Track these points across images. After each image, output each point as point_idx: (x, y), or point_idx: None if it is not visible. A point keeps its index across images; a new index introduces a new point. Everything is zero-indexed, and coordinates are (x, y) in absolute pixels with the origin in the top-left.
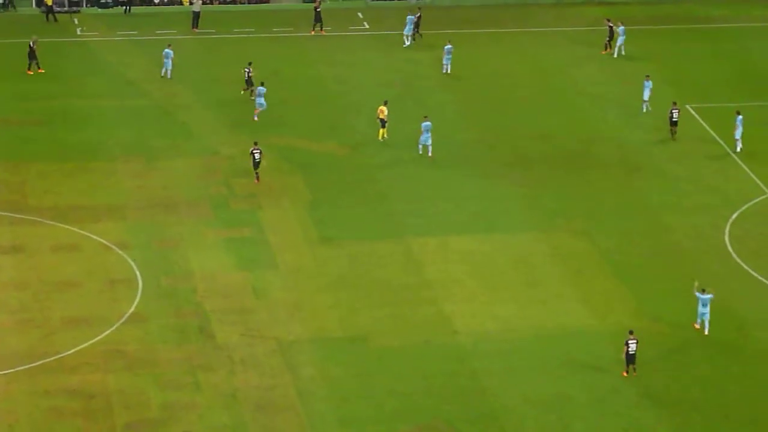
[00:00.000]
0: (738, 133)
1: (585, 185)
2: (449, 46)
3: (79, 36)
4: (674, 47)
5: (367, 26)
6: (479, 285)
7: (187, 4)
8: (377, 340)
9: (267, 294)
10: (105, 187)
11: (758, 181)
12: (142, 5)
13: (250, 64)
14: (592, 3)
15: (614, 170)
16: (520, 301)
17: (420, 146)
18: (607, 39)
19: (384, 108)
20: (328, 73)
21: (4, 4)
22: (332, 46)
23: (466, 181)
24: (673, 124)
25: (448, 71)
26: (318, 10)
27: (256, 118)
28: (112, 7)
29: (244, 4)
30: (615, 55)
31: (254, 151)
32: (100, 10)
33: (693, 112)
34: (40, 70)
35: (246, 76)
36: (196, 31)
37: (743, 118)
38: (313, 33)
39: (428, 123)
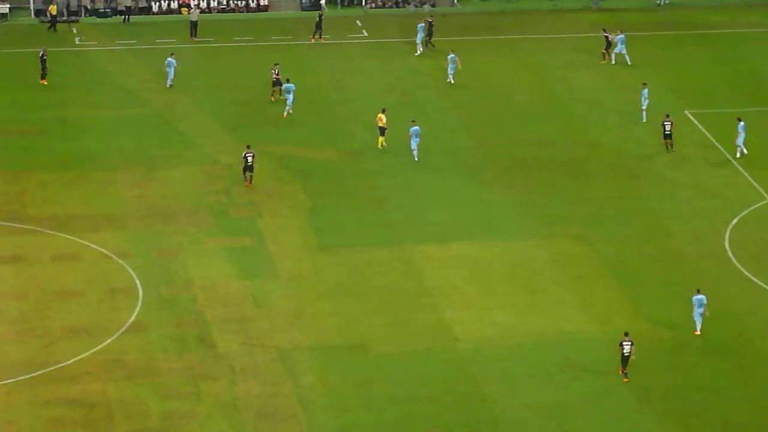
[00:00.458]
0: (740, 140)
1: (584, 191)
2: (452, 55)
3: (78, 45)
4: (672, 53)
5: (366, 34)
6: (478, 291)
7: (186, 13)
8: (377, 347)
9: (267, 302)
10: (104, 196)
11: (758, 187)
12: (140, 15)
13: (276, 65)
14: (590, 10)
15: (613, 176)
16: (520, 308)
17: (414, 151)
18: (605, 48)
19: (383, 115)
20: (326, 80)
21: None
22: (331, 54)
23: (465, 188)
24: (667, 136)
25: (452, 81)
26: (320, 19)
27: (286, 114)
28: (110, 16)
29: (242, 12)
30: (613, 62)
31: (247, 155)
32: (98, 19)
33: (692, 118)
34: (42, 81)
35: (273, 77)
36: (195, 39)
37: (745, 125)
38: (313, 41)
39: (416, 128)
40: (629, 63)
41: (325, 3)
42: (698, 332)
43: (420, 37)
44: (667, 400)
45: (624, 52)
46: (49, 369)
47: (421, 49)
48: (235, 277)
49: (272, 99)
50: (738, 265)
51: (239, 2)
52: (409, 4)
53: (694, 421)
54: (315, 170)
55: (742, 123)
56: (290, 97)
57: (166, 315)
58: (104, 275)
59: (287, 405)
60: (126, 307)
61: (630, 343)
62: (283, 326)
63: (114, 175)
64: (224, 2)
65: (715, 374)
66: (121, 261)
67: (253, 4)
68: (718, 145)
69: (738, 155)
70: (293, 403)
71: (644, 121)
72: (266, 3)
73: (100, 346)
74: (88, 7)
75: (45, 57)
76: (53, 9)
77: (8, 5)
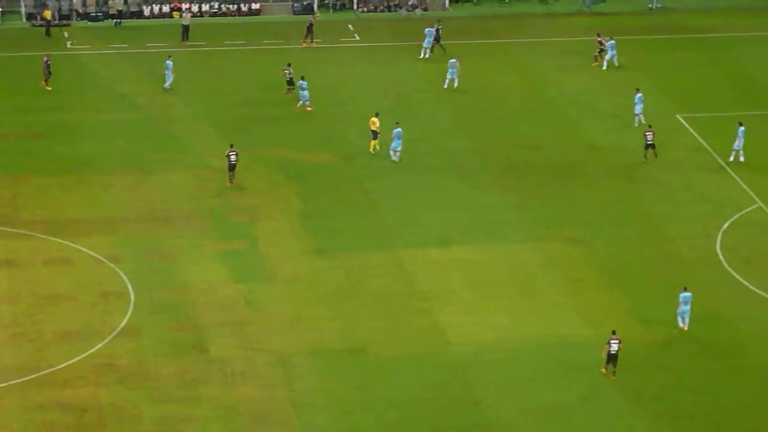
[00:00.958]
0: (737, 144)
1: (578, 194)
2: (454, 60)
3: (70, 49)
4: (664, 57)
5: (358, 38)
6: (475, 295)
7: (177, 17)
8: (375, 351)
9: (262, 306)
10: (99, 200)
11: (749, 191)
12: (132, 18)
13: (289, 65)
14: (582, 14)
15: (606, 179)
16: (516, 311)
17: (391, 152)
18: (597, 52)
19: (375, 119)
20: (319, 84)
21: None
22: (323, 58)
23: (459, 191)
24: (648, 146)
25: (454, 86)
26: (311, 24)
27: (305, 108)
28: (102, 20)
29: (234, 16)
30: (604, 67)
31: (230, 153)
32: (90, 23)
33: (683, 122)
34: (44, 85)
35: (287, 77)
36: (187, 43)
37: (745, 129)
38: (304, 45)
39: (399, 129)
40: (616, 64)
41: (317, 7)
42: (685, 328)
43: (428, 41)
44: (660, 402)
45: (614, 56)
46: (41, 373)
47: (428, 54)
48: (229, 280)
49: (290, 95)
50: (729, 269)
51: (231, 6)
52: (400, 8)
53: (687, 423)
54: (309, 174)
55: (742, 128)
56: (306, 93)
57: (159, 319)
58: (97, 279)
59: (284, 409)
60: (118, 310)
61: (618, 341)
62: (280, 330)
63: (109, 179)
64: (216, 6)
65: (707, 377)
66: (113, 265)
67: (245, 8)
68: (710, 149)
69: (732, 159)
70: (290, 407)
71: (636, 125)
72: (258, 7)
73: (92, 350)
74: (80, 11)
75: (49, 62)
76: (48, 14)
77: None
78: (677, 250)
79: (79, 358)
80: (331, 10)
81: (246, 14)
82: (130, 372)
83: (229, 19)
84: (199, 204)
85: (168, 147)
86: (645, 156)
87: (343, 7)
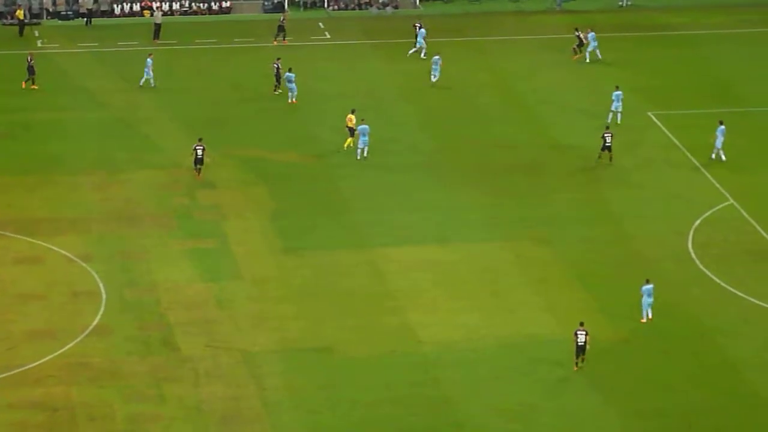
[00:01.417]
0: (718, 143)
1: (548, 194)
2: (437, 57)
3: (40, 48)
4: (635, 55)
5: (329, 36)
6: (443, 294)
7: (148, 15)
8: (342, 350)
9: (231, 305)
10: (68, 199)
11: (720, 188)
12: (102, 17)
13: (278, 59)
14: (553, 11)
15: (577, 179)
16: (485, 310)
17: (358, 150)
18: (576, 45)
19: (352, 116)
20: None
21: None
22: (294, 57)
23: (430, 190)
24: (605, 148)
25: (435, 82)
26: (282, 23)
27: (292, 101)
28: (72, 19)
29: (204, 14)
30: (587, 60)
31: (197, 148)
32: (60, 22)
33: (655, 119)
34: (24, 85)
35: (275, 71)
36: (158, 42)
37: (725, 129)
38: (275, 43)
39: (365, 126)
40: (600, 57)
41: (288, 6)
42: (645, 320)
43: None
44: (629, 401)
45: (596, 48)
46: (11, 372)
47: (413, 51)
48: (199, 279)
49: (277, 92)
50: (701, 267)
51: (201, 5)
52: (371, 6)
53: (658, 422)
54: (279, 173)
55: (722, 127)
56: (293, 86)
57: (130, 318)
58: (67, 278)
59: (252, 408)
60: (89, 310)
61: (585, 332)
62: (247, 329)
63: (77, 178)
64: (186, 5)
65: (678, 375)
66: (84, 264)
67: (215, 7)
68: (681, 147)
69: (713, 157)
70: (258, 406)
71: (619, 122)
72: (228, 5)
73: (63, 349)
74: (50, 9)
75: (32, 62)
76: (20, 13)
77: None
78: (648, 248)
79: (50, 357)
80: (302, 8)
81: (216, 12)
82: (102, 371)
83: (200, 17)
84: (169, 203)
85: (137, 146)
86: (599, 156)
87: (314, 5)
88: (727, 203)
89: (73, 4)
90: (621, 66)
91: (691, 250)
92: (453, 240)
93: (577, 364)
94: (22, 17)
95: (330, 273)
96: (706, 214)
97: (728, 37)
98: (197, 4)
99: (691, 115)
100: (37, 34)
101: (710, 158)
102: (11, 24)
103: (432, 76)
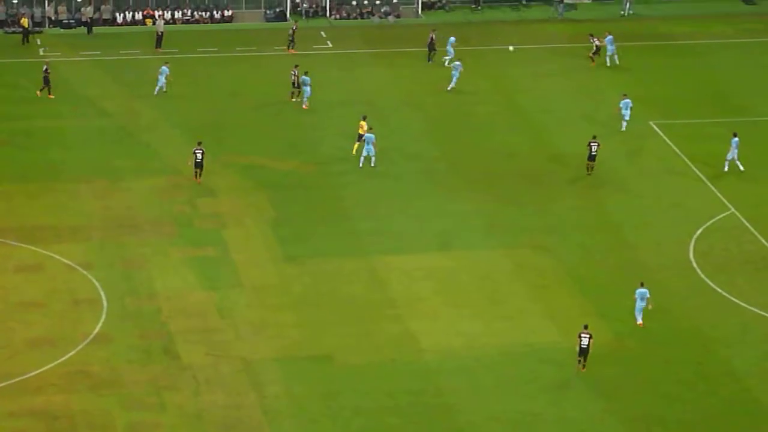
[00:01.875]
0: (731, 155)
1: (548, 202)
2: (458, 63)
3: (42, 56)
4: (637, 64)
5: (331, 45)
6: (444, 302)
7: (150, 24)
8: (343, 358)
9: (232, 313)
10: (69, 207)
11: (722, 197)
12: (104, 26)
13: (296, 66)
14: (555, 20)
15: (577, 186)
16: (485, 318)
17: (362, 158)
18: (592, 53)
19: (364, 123)
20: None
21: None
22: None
23: (430, 198)
24: (591, 158)
25: (452, 88)
26: (293, 32)
27: (305, 107)
28: (74, 27)
29: (207, 23)
30: (608, 64)
31: (196, 151)
32: (62, 30)
33: (656, 128)
34: (39, 93)
35: (293, 78)
36: (160, 51)
37: (739, 141)
38: (292, 52)
39: (371, 135)
40: (617, 62)
41: (291, 16)
42: (640, 323)
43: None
44: (630, 409)
45: (615, 53)
46: (12, 381)
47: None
48: (200, 287)
49: (293, 100)
50: (702, 276)
51: (204, 14)
52: (373, 15)
53: (659, 430)
54: (280, 180)
55: (736, 138)
56: (308, 89)
57: (131, 326)
58: (68, 286)
59: (252, 416)
60: (90, 318)
61: (588, 335)
62: (248, 337)
63: (78, 186)
64: (189, 13)
65: (678, 384)
66: (85, 272)
67: (217, 16)
68: (683, 156)
69: (726, 169)
70: (258, 414)
71: (624, 129)
72: (230, 14)
73: (63, 358)
74: (52, 17)
75: (49, 71)
76: (24, 21)
77: None
78: (649, 257)
79: (50, 365)
80: (304, 18)
81: (219, 21)
82: (102, 379)
83: (202, 26)
84: (170, 211)
85: (139, 154)
86: (587, 168)
87: (316, 14)
88: (728, 212)
89: (75, 13)
90: (623, 75)
91: (692, 258)
92: (454, 247)
93: (579, 361)
94: (26, 25)
95: (330, 280)
96: (708, 223)
97: (730, 47)
98: (199, 13)
99: (692, 125)
100: (39, 42)
101: (723, 170)
102: (14, 32)
103: (452, 82)
